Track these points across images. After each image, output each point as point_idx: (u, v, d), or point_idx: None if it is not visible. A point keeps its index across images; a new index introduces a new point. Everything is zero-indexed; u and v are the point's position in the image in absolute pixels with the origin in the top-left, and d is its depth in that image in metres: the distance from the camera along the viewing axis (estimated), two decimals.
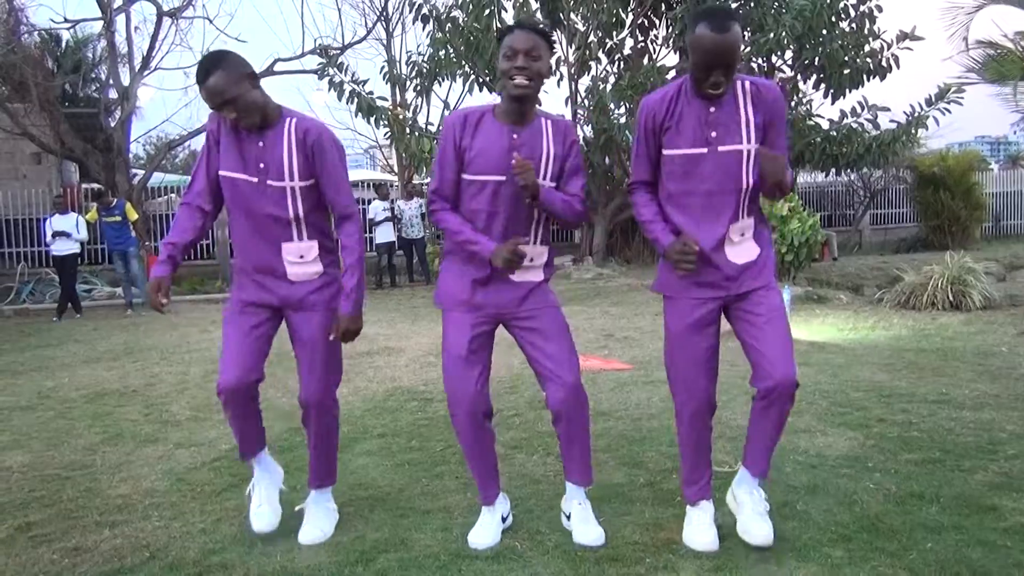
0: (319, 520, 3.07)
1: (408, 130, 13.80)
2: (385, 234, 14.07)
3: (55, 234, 11.26)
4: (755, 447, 2.86)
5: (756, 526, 2.76)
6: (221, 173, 2.89)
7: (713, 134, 2.70)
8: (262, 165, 2.85)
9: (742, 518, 2.82)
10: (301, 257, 2.93)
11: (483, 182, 2.79)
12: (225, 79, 2.71)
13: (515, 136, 2.78)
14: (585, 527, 2.90)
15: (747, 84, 2.73)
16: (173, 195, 16.76)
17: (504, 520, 3.01)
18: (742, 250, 2.78)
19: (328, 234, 3.03)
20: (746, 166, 2.71)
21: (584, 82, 14.36)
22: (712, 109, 2.70)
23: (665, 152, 2.78)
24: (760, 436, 2.83)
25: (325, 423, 3.08)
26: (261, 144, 2.86)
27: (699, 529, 2.84)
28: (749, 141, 2.70)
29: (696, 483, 2.93)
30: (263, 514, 3.03)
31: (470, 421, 2.88)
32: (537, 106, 2.91)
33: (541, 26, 2.72)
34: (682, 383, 2.86)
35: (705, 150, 2.71)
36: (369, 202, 14.74)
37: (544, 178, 2.81)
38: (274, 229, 2.90)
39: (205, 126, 3.07)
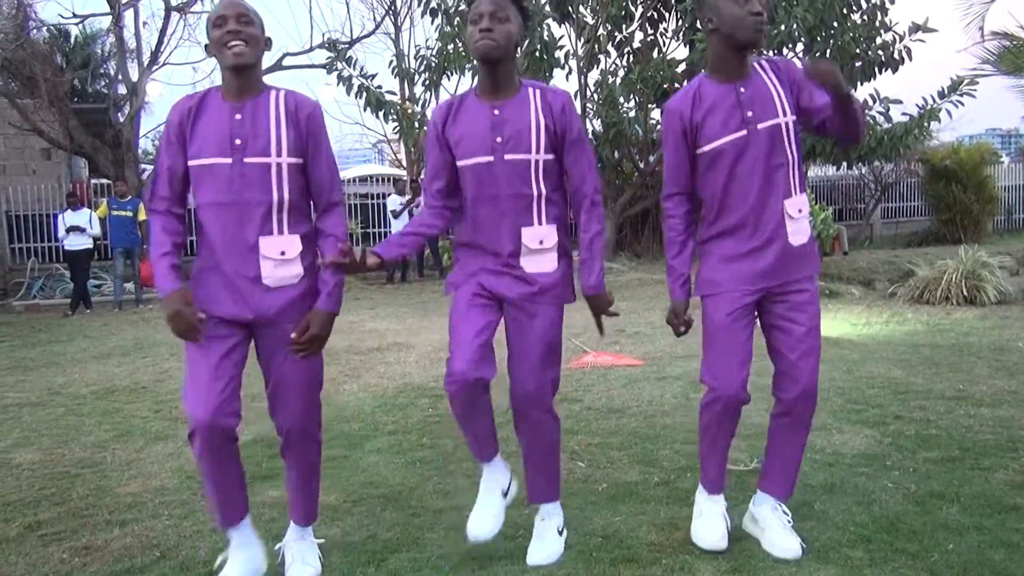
0: (307, 555, 2.70)
1: (417, 124, 13.76)
2: (400, 227, 14.10)
3: (69, 229, 11.28)
4: (778, 468, 2.80)
5: (787, 540, 2.69)
6: (191, 164, 2.50)
7: (750, 113, 2.64)
8: (238, 141, 2.46)
9: (769, 535, 2.73)
10: (282, 254, 2.50)
11: (472, 166, 2.65)
12: (249, 5, 2.50)
13: (496, 112, 2.64)
14: (540, 543, 2.78)
15: (763, 62, 2.73)
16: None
17: (505, 495, 2.86)
18: (799, 229, 2.70)
19: (311, 227, 2.62)
20: (787, 138, 2.66)
21: (593, 75, 14.27)
22: (742, 89, 2.65)
23: (704, 148, 2.68)
24: (782, 455, 2.78)
25: (310, 455, 2.69)
26: (239, 117, 2.48)
27: (710, 524, 2.76)
28: (785, 114, 2.66)
29: (714, 471, 2.83)
30: None
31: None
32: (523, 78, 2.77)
33: None
34: (718, 371, 2.70)
35: (745, 132, 2.64)
36: (386, 196, 15.27)
37: (537, 151, 2.63)
38: (252, 219, 2.48)
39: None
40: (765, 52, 13.16)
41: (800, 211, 2.71)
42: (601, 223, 2.75)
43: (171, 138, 2.52)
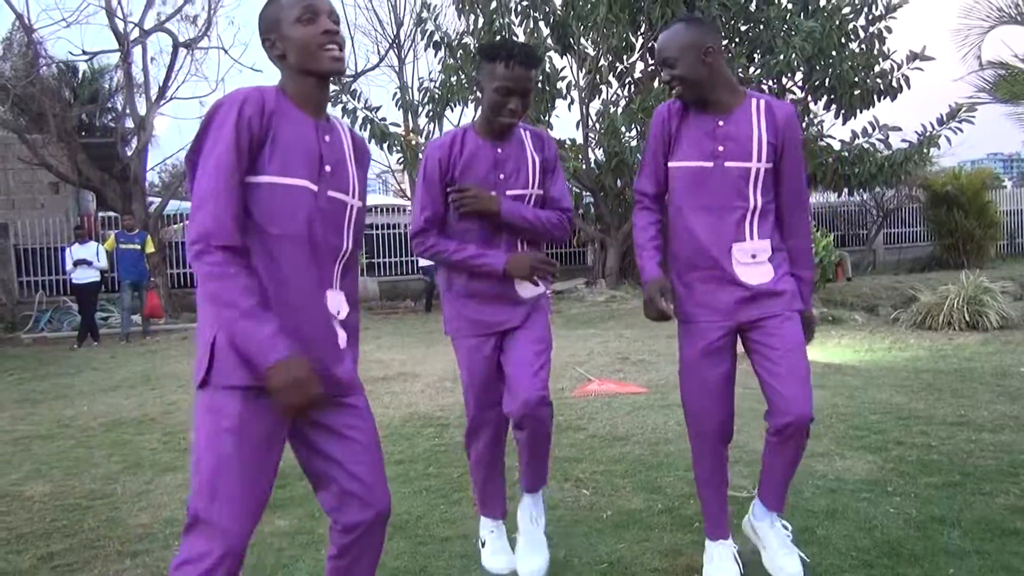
0: None
1: (420, 155, 13.92)
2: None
3: (77, 262, 11.42)
4: (771, 481, 2.78)
5: (786, 561, 2.69)
6: (274, 180, 1.93)
7: (720, 148, 2.64)
8: (328, 168, 2.02)
9: (769, 554, 2.74)
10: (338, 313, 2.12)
11: None
12: None
13: (499, 151, 2.77)
14: (533, 550, 2.86)
15: (761, 102, 2.67)
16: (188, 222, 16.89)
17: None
18: (754, 272, 2.66)
19: None
20: (753, 185, 2.62)
21: (595, 106, 14.46)
22: (721, 123, 2.65)
23: (671, 164, 2.74)
24: (775, 471, 2.76)
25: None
26: (327, 139, 2.05)
27: (721, 567, 2.76)
28: (759, 160, 2.62)
29: (714, 518, 2.84)
30: None
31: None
32: None
33: (532, 50, 2.74)
34: (695, 413, 2.78)
35: (711, 164, 2.65)
36: (391, 226, 16.13)
37: (532, 186, 2.80)
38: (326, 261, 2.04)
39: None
40: (765, 81, 13.36)
41: (753, 256, 2.65)
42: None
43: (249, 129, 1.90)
